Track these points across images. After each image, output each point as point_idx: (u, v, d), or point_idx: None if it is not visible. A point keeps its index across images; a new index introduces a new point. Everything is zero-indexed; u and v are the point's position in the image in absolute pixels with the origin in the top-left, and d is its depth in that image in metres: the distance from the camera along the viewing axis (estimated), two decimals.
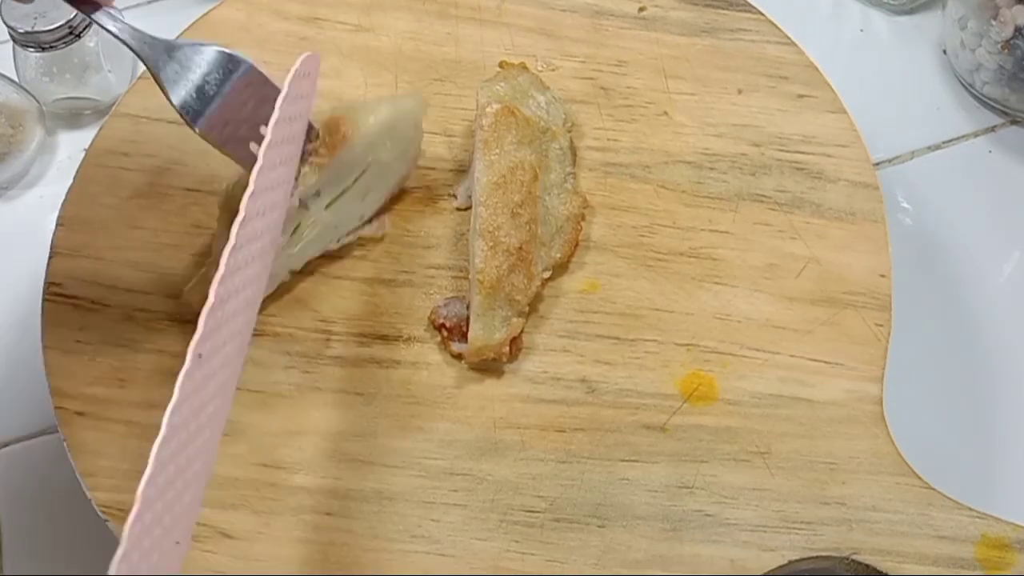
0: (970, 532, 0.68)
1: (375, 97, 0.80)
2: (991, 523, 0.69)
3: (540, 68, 0.83)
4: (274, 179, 0.62)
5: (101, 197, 0.76)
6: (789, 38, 0.85)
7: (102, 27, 0.64)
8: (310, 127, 0.70)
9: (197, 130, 0.64)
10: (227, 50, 0.65)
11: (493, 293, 0.70)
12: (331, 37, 0.83)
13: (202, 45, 0.65)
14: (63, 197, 0.76)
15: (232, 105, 0.65)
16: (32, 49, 0.86)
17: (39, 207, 0.90)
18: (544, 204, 0.74)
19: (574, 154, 0.77)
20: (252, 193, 0.58)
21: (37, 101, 0.90)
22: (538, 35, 0.84)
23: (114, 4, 0.65)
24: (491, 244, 0.70)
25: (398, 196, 0.78)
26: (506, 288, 0.70)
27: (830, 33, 1.01)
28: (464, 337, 0.71)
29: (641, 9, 0.86)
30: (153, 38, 0.64)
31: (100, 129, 0.79)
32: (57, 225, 0.75)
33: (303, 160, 0.69)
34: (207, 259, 0.72)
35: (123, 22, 0.64)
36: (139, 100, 0.80)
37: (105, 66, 0.91)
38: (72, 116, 0.94)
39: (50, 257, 0.74)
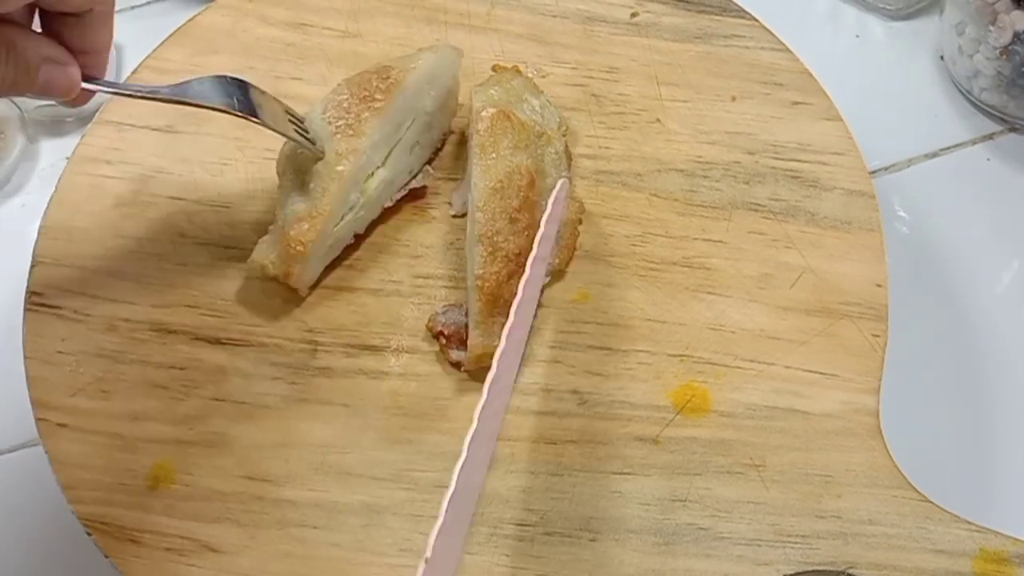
0: (968, 546, 0.68)
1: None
2: (989, 537, 0.68)
3: (531, 75, 0.82)
4: (533, 293, 0.68)
5: (84, 205, 0.76)
6: (784, 44, 0.85)
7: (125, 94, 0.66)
8: None
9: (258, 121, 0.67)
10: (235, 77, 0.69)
11: (493, 300, 0.69)
12: (317, 43, 0.83)
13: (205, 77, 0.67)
14: (45, 205, 0.76)
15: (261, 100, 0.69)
16: None
17: (21, 216, 0.89)
18: (541, 209, 0.73)
19: (569, 159, 0.76)
20: (519, 302, 0.63)
21: (19, 108, 0.89)
22: (528, 41, 0.84)
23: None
24: (490, 250, 0.70)
25: (393, 208, 0.77)
26: (506, 295, 0.70)
27: (825, 39, 1.01)
28: (463, 344, 0.71)
29: (633, 15, 0.85)
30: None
31: (83, 137, 0.78)
32: (39, 234, 0.75)
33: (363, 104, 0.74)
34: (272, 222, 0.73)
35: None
36: (122, 107, 0.79)
37: None
38: (54, 123, 0.93)
39: (32, 266, 0.74)
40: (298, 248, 0.69)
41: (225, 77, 0.67)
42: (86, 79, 0.62)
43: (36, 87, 0.58)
